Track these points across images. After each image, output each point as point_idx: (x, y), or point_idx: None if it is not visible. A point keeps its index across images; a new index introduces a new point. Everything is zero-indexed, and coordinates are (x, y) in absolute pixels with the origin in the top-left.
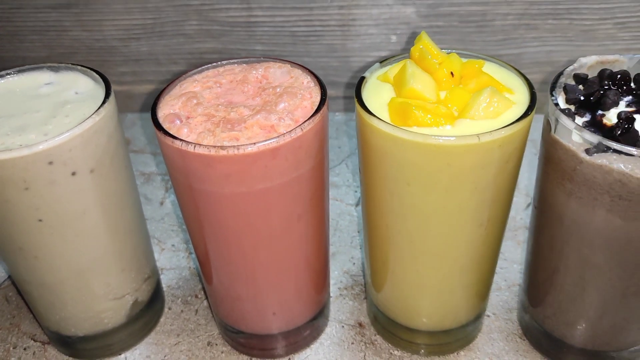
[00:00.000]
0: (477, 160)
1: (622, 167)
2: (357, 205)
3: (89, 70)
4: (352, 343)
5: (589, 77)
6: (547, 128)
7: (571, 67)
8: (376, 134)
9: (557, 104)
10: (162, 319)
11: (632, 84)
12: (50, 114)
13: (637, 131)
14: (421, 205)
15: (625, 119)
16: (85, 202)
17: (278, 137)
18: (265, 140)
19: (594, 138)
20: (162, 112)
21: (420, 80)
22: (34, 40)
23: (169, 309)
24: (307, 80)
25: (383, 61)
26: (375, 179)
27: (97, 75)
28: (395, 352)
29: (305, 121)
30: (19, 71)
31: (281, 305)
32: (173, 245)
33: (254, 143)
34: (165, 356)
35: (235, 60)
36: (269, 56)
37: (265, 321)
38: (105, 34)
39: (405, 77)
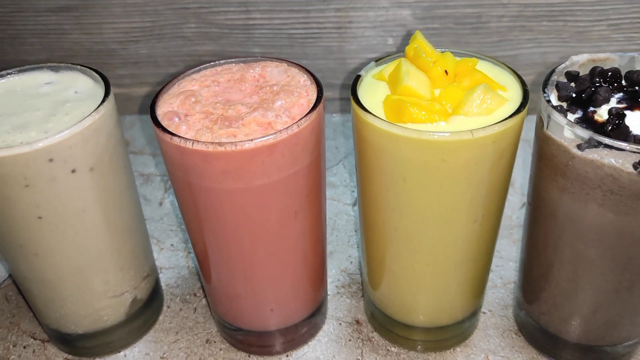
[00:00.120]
0: (471, 155)
1: (613, 161)
2: (354, 205)
3: (88, 69)
4: (350, 340)
5: (581, 74)
6: (539, 125)
7: (563, 65)
8: (372, 131)
9: (549, 101)
10: (161, 317)
11: (622, 81)
12: (51, 113)
13: (627, 127)
14: (416, 201)
15: (616, 115)
16: (85, 199)
17: (275, 133)
18: (263, 137)
19: (586, 133)
20: (161, 110)
21: (415, 78)
22: (34, 43)
23: (168, 307)
24: (303, 79)
25: (378, 60)
26: (372, 176)
27: (96, 75)
28: (392, 348)
29: (301, 118)
30: (20, 71)
31: (279, 302)
32: (172, 245)
33: (251, 139)
34: (164, 353)
35: (233, 60)
36: (266, 55)
37: (263, 318)
38: (104, 36)
39: (400, 75)
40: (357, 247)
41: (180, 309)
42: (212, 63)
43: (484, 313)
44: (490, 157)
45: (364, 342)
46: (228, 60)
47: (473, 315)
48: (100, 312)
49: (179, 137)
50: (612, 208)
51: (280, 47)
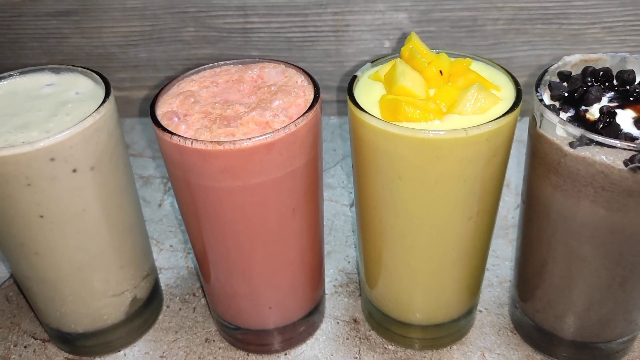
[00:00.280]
0: (465, 153)
1: (604, 158)
2: (351, 206)
3: (89, 71)
4: (347, 338)
5: (573, 74)
6: (532, 124)
7: (555, 65)
8: (368, 130)
9: (542, 100)
10: (160, 317)
11: (614, 81)
12: (52, 113)
13: (618, 125)
14: (412, 199)
15: (607, 113)
16: (86, 199)
17: (273, 132)
18: (261, 136)
19: (577, 131)
20: (161, 110)
21: (410, 78)
22: (34, 48)
23: (167, 306)
24: (300, 80)
25: (374, 61)
26: (368, 174)
27: (97, 77)
28: (390, 346)
29: (298, 117)
30: (21, 73)
31: (277, 300)
32: (171, 246)
33: (250, 138)
34: (163, 352)
35: (231, 61)
36: (264, 57)
37: (261, 316)
38: (104, 40)
39: (395, 75)
40: (355, 247)
41: (180, 309)
42: (211, 64)
43: (480, 311)
44: (484, 154)
45: (362, 340)
46: (227, 61)
47: (469, 313)
48: (101, 311)
49: (179, 136)
50: (604, 204)
51: (278, 50)
